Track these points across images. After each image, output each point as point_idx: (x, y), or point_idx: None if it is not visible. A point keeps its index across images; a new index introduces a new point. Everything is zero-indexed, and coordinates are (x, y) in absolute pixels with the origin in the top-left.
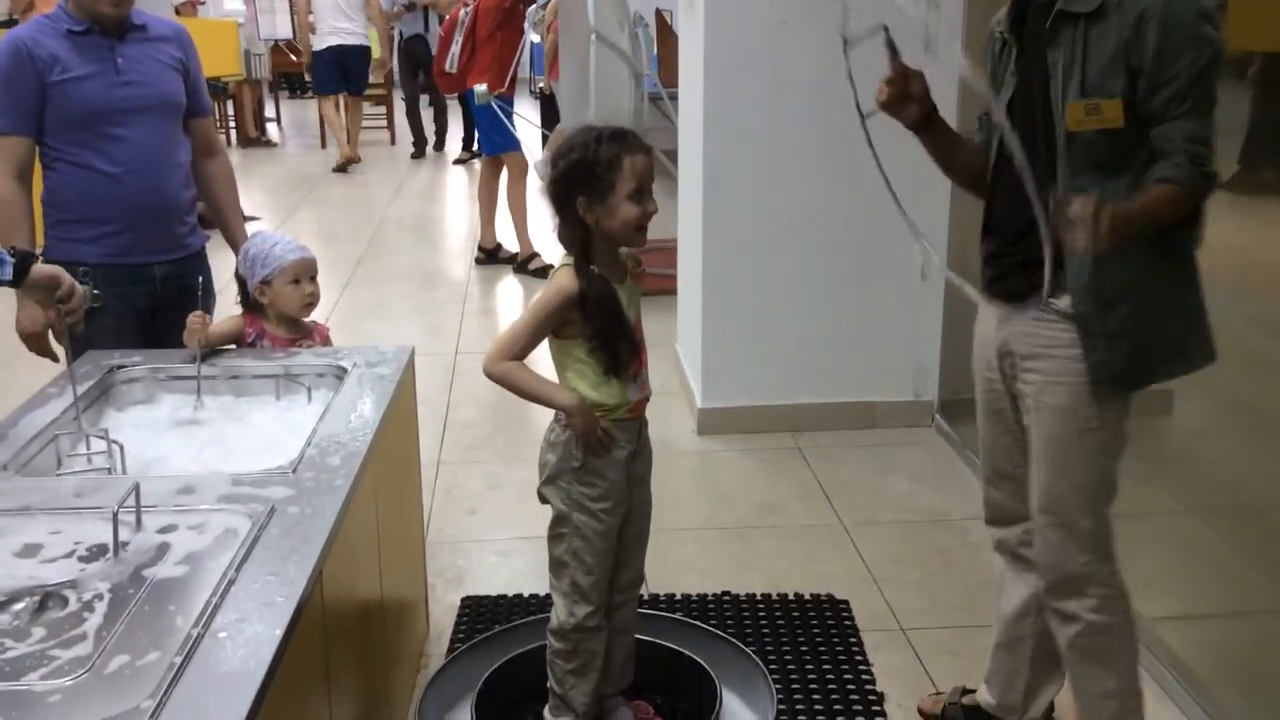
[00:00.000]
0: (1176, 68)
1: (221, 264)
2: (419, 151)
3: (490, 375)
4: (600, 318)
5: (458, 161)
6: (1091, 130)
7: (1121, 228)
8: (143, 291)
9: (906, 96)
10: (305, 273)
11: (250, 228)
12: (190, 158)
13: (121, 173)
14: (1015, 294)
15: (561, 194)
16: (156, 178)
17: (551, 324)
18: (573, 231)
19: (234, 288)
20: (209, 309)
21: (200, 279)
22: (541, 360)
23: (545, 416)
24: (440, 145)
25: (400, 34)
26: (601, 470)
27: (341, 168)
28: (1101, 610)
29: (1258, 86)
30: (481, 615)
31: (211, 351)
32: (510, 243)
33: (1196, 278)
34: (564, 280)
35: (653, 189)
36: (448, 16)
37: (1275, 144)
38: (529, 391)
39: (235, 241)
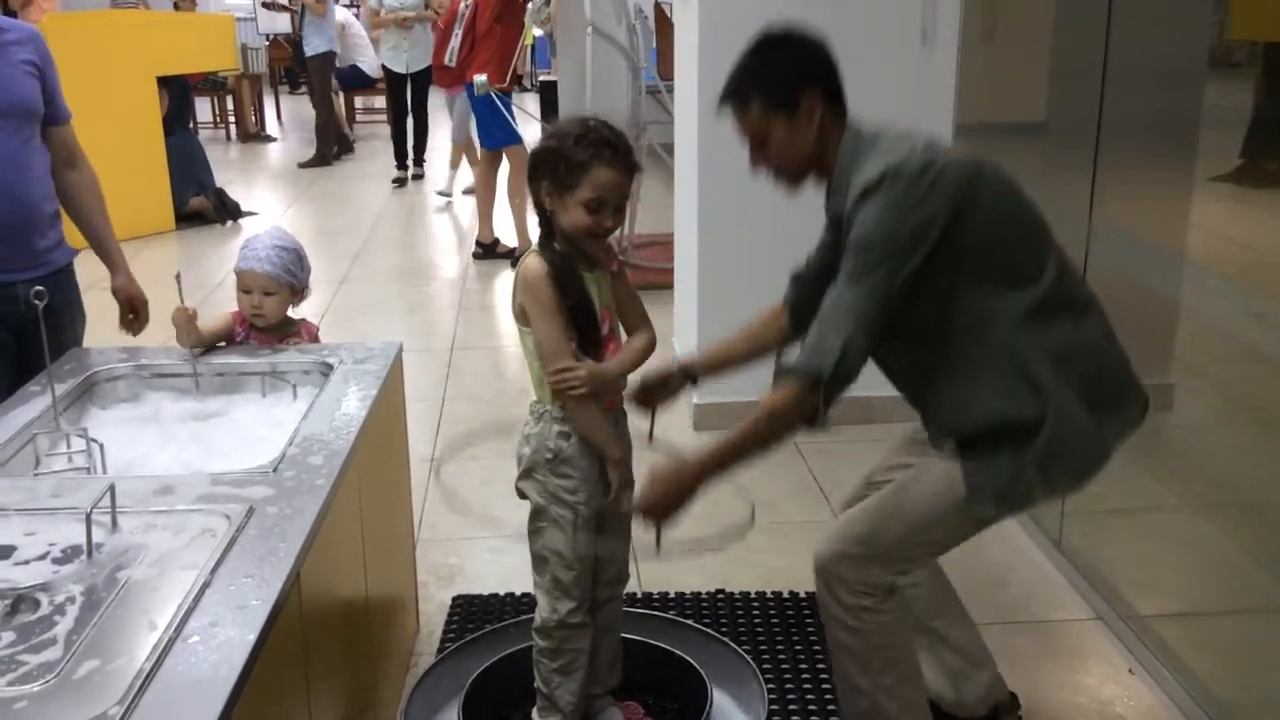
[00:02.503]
0: (854, 232)
1: (92, 278)
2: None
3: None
4: (565, 295)
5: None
6: None
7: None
8: (6, 313)
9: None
10: (252, 285)
11: (248, 224)
12: (49, 168)
13: None
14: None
15: (532, 174)
16: (15, 189)
17: (555, 308)
18: (539, 211)
19: (113, 305)
20: (78, 330)
21: (67, 297)
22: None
23: None
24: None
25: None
26: (574, 461)
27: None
28: (856, 612)
29: (1260, 77)
30: (473, 614)
31: (204, 350)
32: (509, 238)
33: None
34: (533, 266)
35: (627, 205)
36: (446, 9)
37: (1278, 136)
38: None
39: (110, 256)
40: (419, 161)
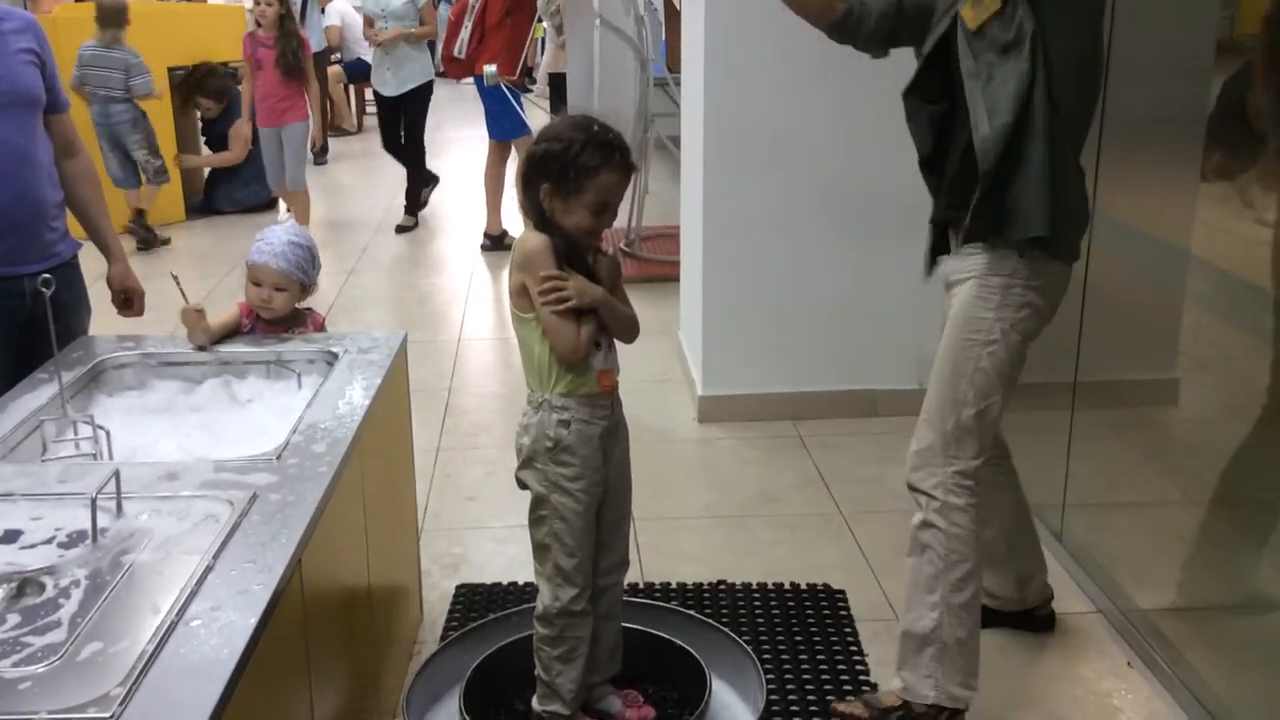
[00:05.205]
0: None
1: (91, 273)
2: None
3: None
4: (567, 263)
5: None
6: (987, 21)
7: None
8: (12, 307)
9: None
10: (264, 279)
11: (252, 218)
12: (53, 158)
13: None
14: (942, 238)
15: (530, 174)
16: (22, 180)
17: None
18: (533, 208)
19: (107, 296)
20: (84, 322)
21: (73, 290)
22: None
23: None
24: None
25: None
26: (574, 449)
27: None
28: (938, 511)
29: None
30: (476, 603)
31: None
32: (516, 229)
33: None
34: (533, 238)
35: (622, 198)
36: (456, 2)
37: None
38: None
39: (107, 246)
40: (412, 209)
